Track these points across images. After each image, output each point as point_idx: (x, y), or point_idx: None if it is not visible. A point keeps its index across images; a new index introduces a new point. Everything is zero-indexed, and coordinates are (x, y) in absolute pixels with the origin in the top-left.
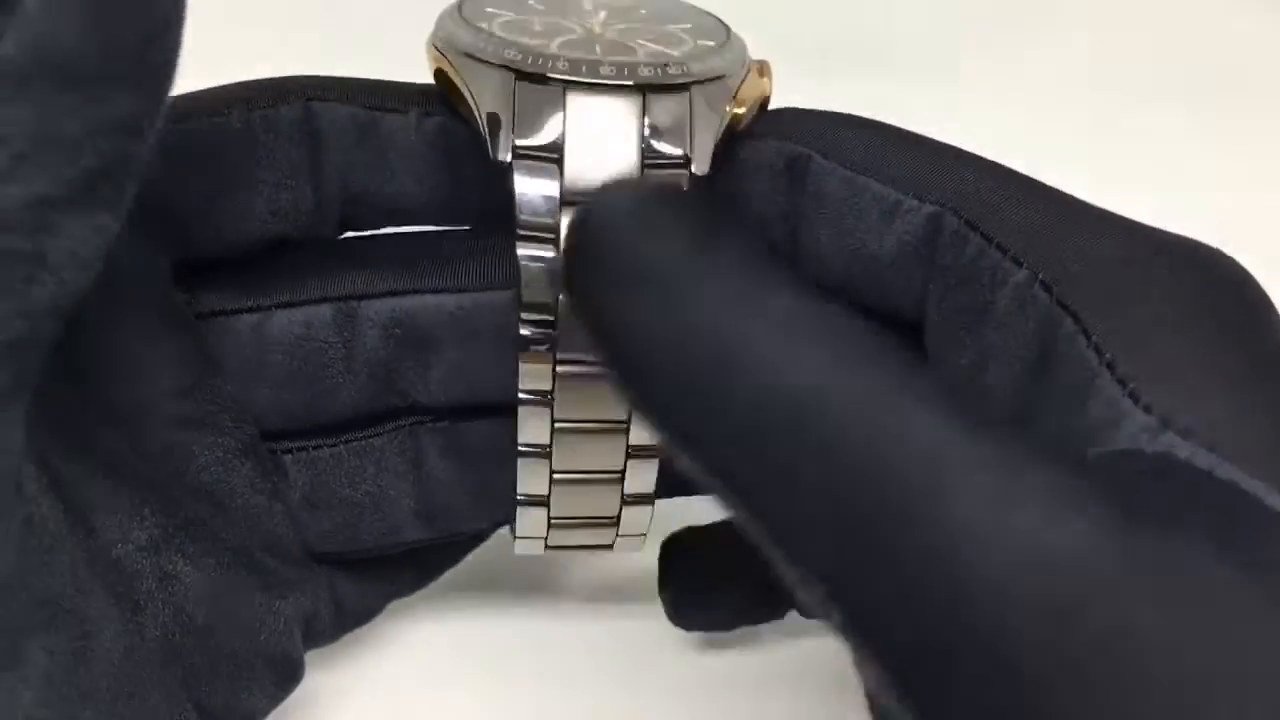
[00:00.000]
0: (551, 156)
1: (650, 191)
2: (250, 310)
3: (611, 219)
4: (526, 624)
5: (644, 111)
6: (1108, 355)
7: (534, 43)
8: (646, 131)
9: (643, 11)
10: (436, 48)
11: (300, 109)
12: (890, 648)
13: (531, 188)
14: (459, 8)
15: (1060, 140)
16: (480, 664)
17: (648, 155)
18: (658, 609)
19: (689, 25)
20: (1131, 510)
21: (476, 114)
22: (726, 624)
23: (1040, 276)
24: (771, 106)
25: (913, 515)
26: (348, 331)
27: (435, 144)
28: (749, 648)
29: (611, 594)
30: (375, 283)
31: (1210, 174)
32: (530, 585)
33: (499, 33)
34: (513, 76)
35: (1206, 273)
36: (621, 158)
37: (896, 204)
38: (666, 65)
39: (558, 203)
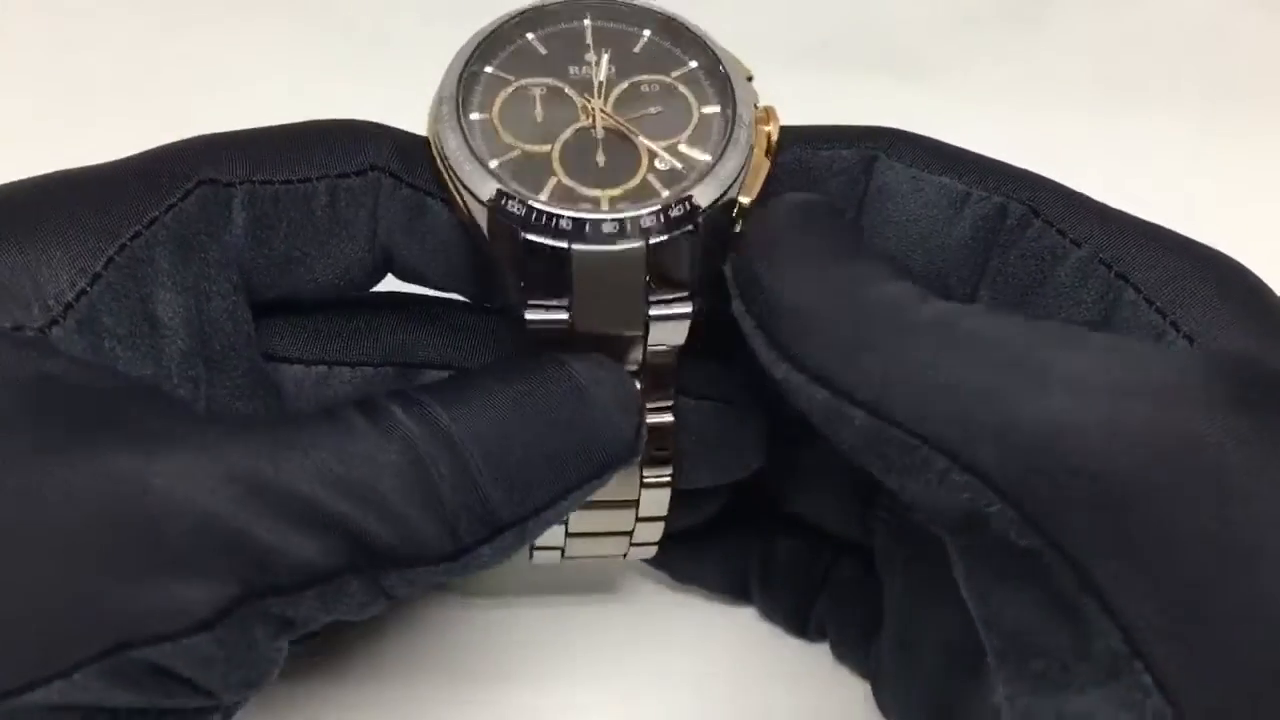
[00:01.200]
0: (560, 305)
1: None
2: (317, 363)
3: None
4: (530, 621)
5: (647, 261)
6: (1171, 316)
7: (534, 155)
8: (648, 278)
9: (644, 66)
10: (438, 151)
11: (374, 184)
12: None
13: (541, 317)
14: (459, 92)
15: (1060, 140)
16: (481, 660)
17: (651, 296)
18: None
19: (693, 83)
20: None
21: (485, 244)
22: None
23: (1100, 255)
24: (770, 106)
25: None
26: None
27: (466, 235)
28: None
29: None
30: (431, 351)
31: (1209, 174)
32: (528, 583)
33: (495, 166)
34: (519, 230)
35: (1244, 281)
36: (626, 307)
37: (966, 195)
38: (669, 211)
39: (568, 327)
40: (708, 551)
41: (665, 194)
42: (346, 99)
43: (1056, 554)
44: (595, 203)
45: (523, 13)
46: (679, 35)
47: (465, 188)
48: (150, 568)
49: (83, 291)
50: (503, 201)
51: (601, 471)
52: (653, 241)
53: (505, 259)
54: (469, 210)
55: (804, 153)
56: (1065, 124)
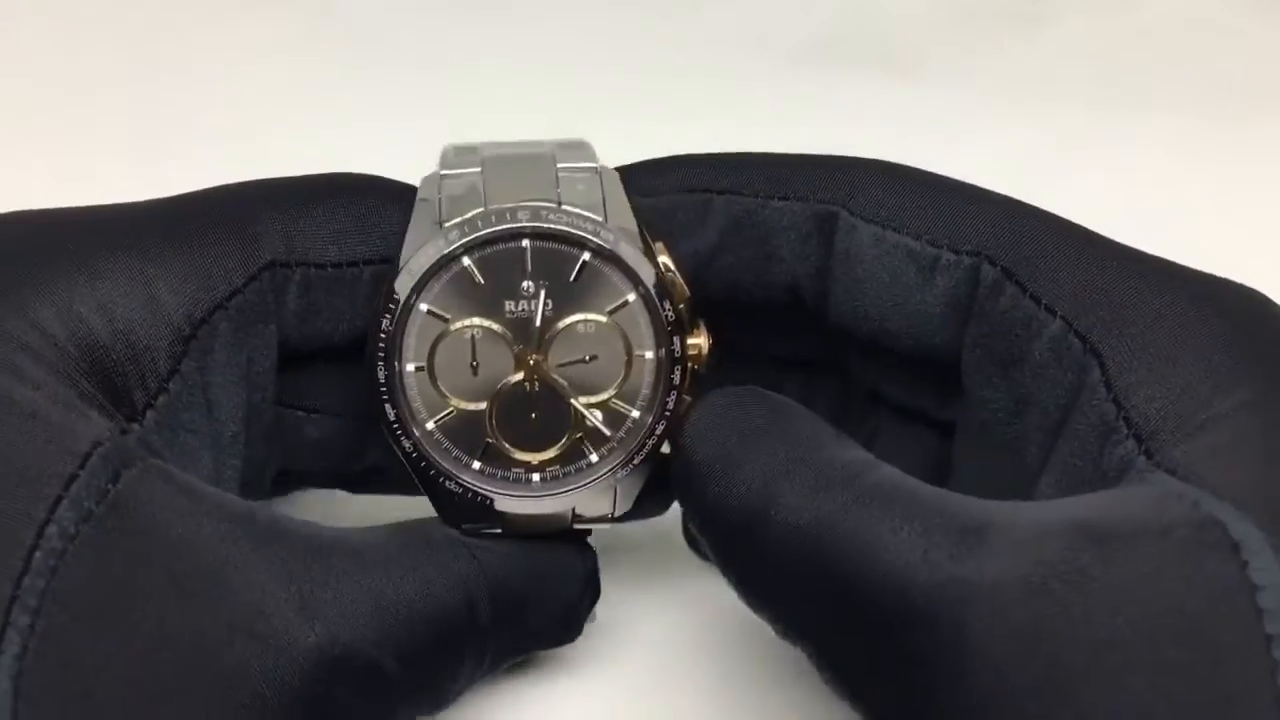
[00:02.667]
0: (491, 530)
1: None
2: (315, 411)
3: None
4: None
5: (573, 511)
6: (1125, 409)
7: (468, 413)
8: (573, 515)
9: (580, 302)
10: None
11: (379, 271)
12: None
13: (473, 529)
14: (397, 334)
15: (1060, 140)
16: None
17: (575, 521)
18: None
19: (629, 322)
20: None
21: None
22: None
23: (1074, 327)
24: (772, 105)
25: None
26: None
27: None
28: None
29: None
30: None
31: (1209, 174)
32: None
33: (431, 428)
34: (462, 494)
35: (1243, 319)
36: (556, 527)
37: (935, 259)
38: (588, 466)
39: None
40: None
41: (594, 459)
42: (347, 99)
43: None
44: (525, 466)
45: (459, 239)
46: (615, 262)
47: (397, 438)
48: None
49: (161, 388)
50: (433, 472)
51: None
52: (577, 510)
53: (437, 495)
54: (401, 448)
55: (753, 204)
56: (1065, 124)
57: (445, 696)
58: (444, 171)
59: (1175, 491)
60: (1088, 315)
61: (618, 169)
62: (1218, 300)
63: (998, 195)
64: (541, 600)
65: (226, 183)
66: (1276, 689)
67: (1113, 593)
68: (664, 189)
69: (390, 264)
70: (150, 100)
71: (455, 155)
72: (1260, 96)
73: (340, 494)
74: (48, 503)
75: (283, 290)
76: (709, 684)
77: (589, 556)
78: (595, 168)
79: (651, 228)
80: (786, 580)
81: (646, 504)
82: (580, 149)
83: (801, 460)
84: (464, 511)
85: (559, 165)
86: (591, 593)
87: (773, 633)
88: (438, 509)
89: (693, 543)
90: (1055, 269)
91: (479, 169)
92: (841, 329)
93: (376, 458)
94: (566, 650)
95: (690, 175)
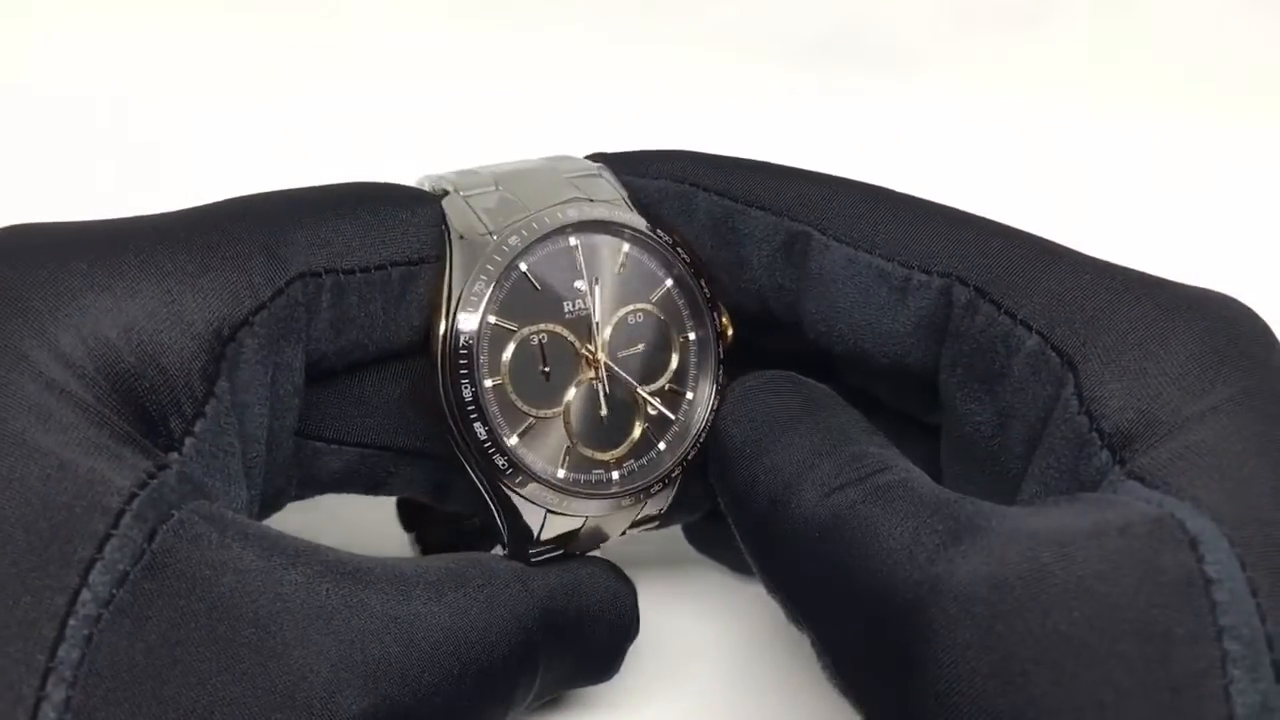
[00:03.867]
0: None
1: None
2: (335, 441)
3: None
4: None
5: (640, 511)
6: (1099, 421)
7: (546, 419)
8: (638, 517)
9: (628, 293)
10: (453, 414)
11: (407, 272)
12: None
13: (543, 559)
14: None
15: (1059, 140)
16: None
17: (634, 525)
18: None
19: (668, 308)
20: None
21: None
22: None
23: (1051, 341)
24: (772, 105)
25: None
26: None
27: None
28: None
29: None
30: None
31: (1209, 174)
32: None
33: (514, 444)
34: (545, 514)
35: (1215, 326)
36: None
37: (906, 279)
38: (657, 455)
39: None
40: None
41: (661, 447)
42: (347, 99)
43: None
44: (605, 466)
45: (519, 245)
46: (651, 247)
47: (489, 456)
48: None
49: (198, 413)
50: (517, 491)
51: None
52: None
53: (515, 522)
54: (481, 472)
55: (732, 208)
56: (1065, 124)
57: None
58: (465, 192)
59: (1142, 496)
60: (1062, 329)
61: (613, 153)
62: (1189, 309)
63: (971, 216)
64: (591, 639)
65: (243, 195)
66: (1226, 679)
67: (1069, 588)
68: (654, 174)
69: (419, 265)
70: (150, 102)
71: (460, 177)
72: (1260, 95)
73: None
74: (81, 566)
75: (315, 300)
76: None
77: (633, 593)
78: (597, 169)
79: (643, 212)
80: (798, 569)
81: (695, 497)
82: (573, 160)
83: (826, 453)
84: (539, 536)
85: (563, 173)
86: (633, 630)
87: (785, 644)
88: (510, 535)
89: (692, 537)
90: (1029, 284)
91: (495, 187)
92: (818, 346)
93: (397, 486)
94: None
95: (680, 167)
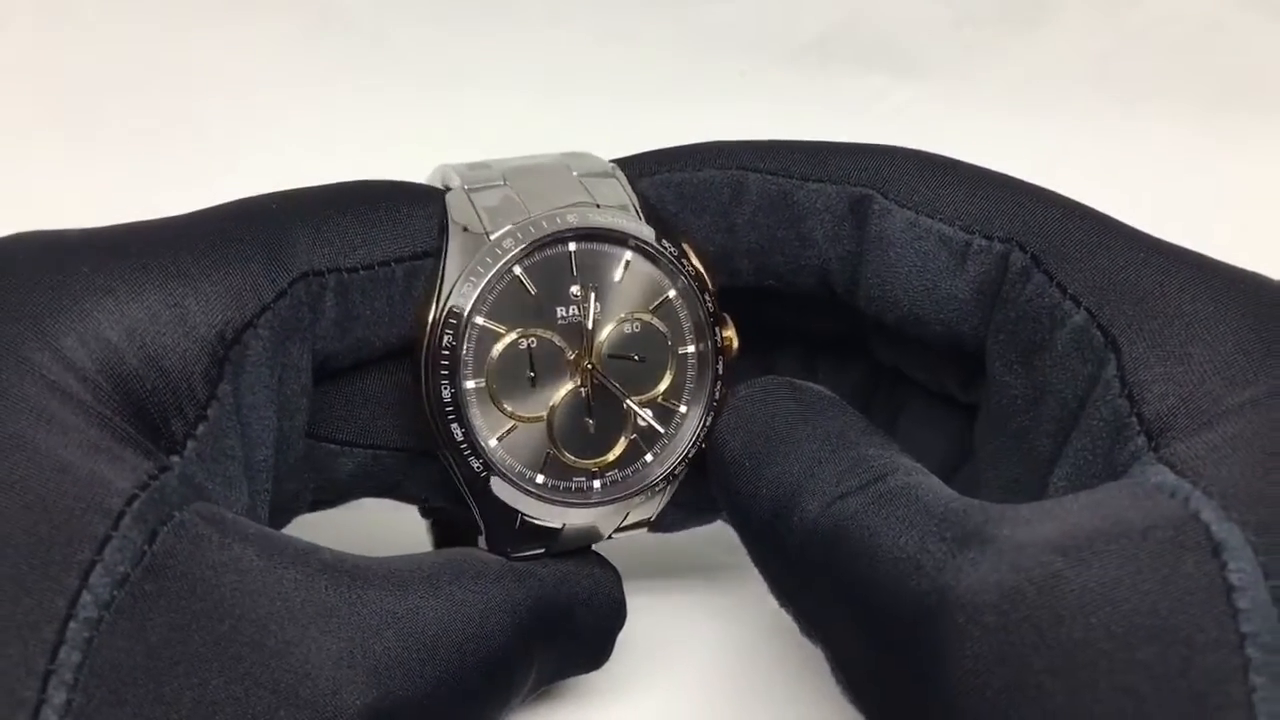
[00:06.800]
0: (540, 550)
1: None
2: (348, 444)
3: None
4: None
5: (625, 518)
6: (1139, 405)
7: (529, 422)
8: (624, 523)
9: (626, 300)
10: (430, 405)
11: (411, 268)
12: None
13: (524, 555)
14: (460, 347)
15: (1059, 140)
16: None
17: (619, 529)
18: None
19: (669, 318)
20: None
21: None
22: None
23: (1098, 319)
24: (772, 105)
25: None
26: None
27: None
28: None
29: None
30: None
31: (1209, 174)
32: None
33: (493, 446)
34: (519, 519)
35: (1266, 315)
36: (594, 538)
37: (967, 244)
38: (644, 466)
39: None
40: None
41: (649, 459)
42: (346, 99)
43: None
44: (586, 474)
45: (513, 247)
46: (656, 258)
47: (464, 458)
48: None
49: (200, 416)
50: (493, 493)
51: None
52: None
53: (493, 520)
54: (458, 471)
55: (789, 185)
56: (1065, 124)
57: None
58: (469, 187)
59: (1168, 487)
60: (1110, 308)
61: (646, 153)
62: (1241, 294)
63: (1029, 184)
64: (581, 627)
65: (245, 196)
66: (1249, 686)
67: (1085, 595)
68: (697, 166)
69: (422, 259)
70: (149, 102)
71: (470, 170)
72: (1260, 96)
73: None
74: (81, 568)
75: (319, 300)
76: (730, 701)
77: (618, 582)
78: (610, 170)
79: (682, 203)
80: (806, 581)
81: (700, 510)
82: (588, 158)
83: (825, 460)
84: (520, 538)
85: (575, 173)
86: (621, 618)
87: (794, 647)
88: (489, 534)
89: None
90: (1082, 258)
91: (502, 182)
92: (870, 315)
93: (412, 489)
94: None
95: (726, 155)
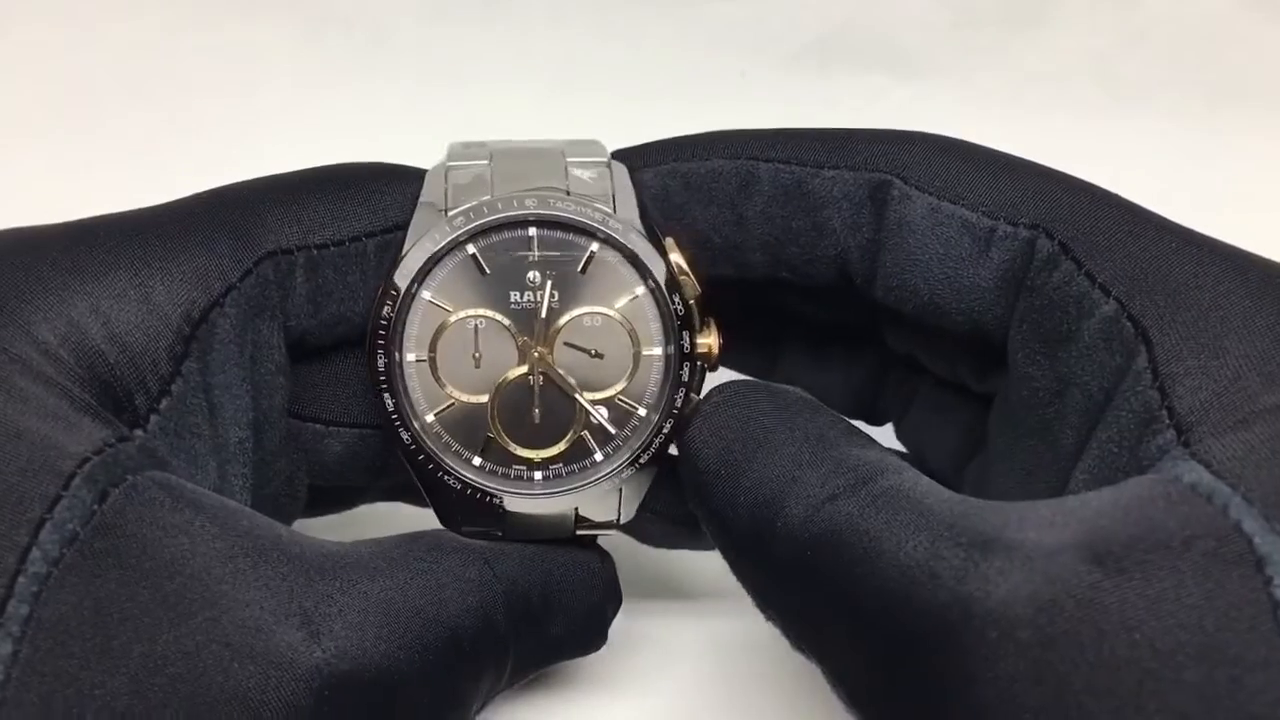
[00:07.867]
0: (492, 532)
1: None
2: (333, 423)
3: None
4: None
5: (576, 514)
6: (1170, 398)
7: (470, 406)
8: (576, 519)
9: (588, 294)
10: (374, 376)
11: (383, 242)
12: None
13: (474, 531)
14: (397, 320)
15: (1059, 140)
16: None
17: (579, 526)
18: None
19: (637, 316)
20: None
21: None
22: None
23: (1129, 310)
24: (772, 106)
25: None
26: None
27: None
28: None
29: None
30: None
31: (1209, 174)
32: None
33: (430, 421)
34: (463, 491)
35: None
36: (558, 531)
37: (991, 230)
38: (592, 465)
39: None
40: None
41: (598, 457)
42: (347, 99)
43: None
44: (527, 464)
45: (463, 225)
46: (626, 252)
47: (395, 429)
48: None
49: (164, 391)
50: (431, 467)
51: None
52: (581, 513)
53: (436, 493)
54: (400, 441)
55: (803, 173)
56: (1065, 124)
57: (466, 710)
58: (450, 163)
59: (1205, 489)
60: (1142, 298)
61: (654, 142)
62: (1277, 287)
63: (1055, 170)
64: (561, 607)
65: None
66: None
67: (1127, 611)
68: (704, 155)
69: (394, 233)
70: (150, 103)
71: (463, 149)
72: (1260, 96)
73: (381, 507)
74: (30, 526)
75: (288, 277)
76: (735, 695)
77: (607, 562)
78: (605, 162)
79: (689, 193)
80: (795, 593)
81: (684, 535)
82: (591, 145)
83: (807, 463)
84: (464, 512)
85: (568, 159)
86: (614, 599)
87: (774, 634)
88: (437, 510)
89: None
90: (1112, 247)
91: (487, 161)
92: (888, 305)
93: (402, 469)
94: (591, 663)
95: (735, 143)
